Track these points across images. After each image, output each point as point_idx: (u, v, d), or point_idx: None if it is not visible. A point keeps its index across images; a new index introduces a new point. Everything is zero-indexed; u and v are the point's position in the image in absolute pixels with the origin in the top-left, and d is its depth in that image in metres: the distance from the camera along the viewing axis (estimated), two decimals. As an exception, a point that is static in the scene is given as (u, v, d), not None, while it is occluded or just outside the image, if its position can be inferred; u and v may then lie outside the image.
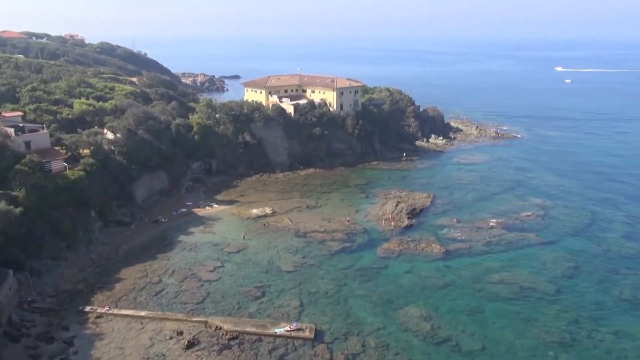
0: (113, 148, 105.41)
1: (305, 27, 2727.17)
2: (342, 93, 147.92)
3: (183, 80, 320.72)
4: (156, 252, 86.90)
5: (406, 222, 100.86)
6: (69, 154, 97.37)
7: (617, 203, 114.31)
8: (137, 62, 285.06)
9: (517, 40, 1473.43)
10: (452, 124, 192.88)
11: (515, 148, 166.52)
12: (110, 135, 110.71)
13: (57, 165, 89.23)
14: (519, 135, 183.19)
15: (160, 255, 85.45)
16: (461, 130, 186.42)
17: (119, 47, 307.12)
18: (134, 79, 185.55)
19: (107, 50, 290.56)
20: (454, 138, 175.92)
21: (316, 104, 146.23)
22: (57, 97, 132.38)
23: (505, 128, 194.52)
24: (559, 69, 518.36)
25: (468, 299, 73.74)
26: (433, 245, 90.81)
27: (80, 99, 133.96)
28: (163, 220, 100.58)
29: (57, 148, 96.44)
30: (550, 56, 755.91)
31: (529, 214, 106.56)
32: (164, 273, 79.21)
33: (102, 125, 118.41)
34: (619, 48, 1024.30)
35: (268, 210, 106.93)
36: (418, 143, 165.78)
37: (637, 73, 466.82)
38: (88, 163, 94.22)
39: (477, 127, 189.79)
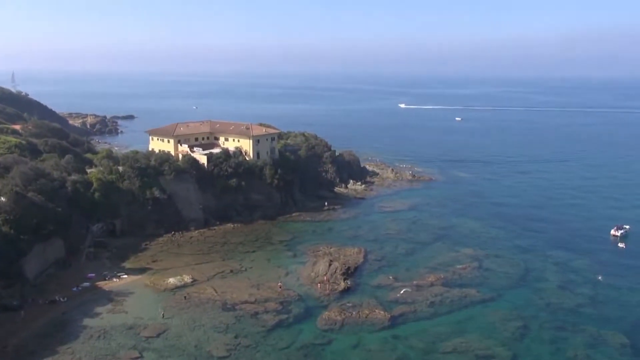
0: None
1: (195, 63, 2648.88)
2: (258, 141, 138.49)
3: (70, 122, 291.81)
4: (55, 343, 71.91)
5: (343, 284, 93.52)
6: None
7: (543, 249, 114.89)
8: (18, 104, 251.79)
9: (411, 77, 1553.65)
10: (367, 167, 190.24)
11: (434, 191, 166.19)
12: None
13: None
14: (434, 178, 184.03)
15: (61, 348, 70.66)
16: (377, 173, 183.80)
17: None
18: (17, 127, 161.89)
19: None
20: (372, 182, 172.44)
21: (231, 152, 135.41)
22: None
23: (419, 170, 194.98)
24: (402, 105, 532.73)
25: (424, 376, 67.50)
26: (376, 310, 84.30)
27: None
28: (61, 299, 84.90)
29: None
30: (446, 93, 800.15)
31: (464, 266, 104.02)
32: (66, 373, 65.05)
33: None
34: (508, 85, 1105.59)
35: (187, 278, 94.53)
36: (337, 189, 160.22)
37: (518, 111, 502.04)
38: (-38, 239, 76.96)
39: (393, 170, 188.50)
